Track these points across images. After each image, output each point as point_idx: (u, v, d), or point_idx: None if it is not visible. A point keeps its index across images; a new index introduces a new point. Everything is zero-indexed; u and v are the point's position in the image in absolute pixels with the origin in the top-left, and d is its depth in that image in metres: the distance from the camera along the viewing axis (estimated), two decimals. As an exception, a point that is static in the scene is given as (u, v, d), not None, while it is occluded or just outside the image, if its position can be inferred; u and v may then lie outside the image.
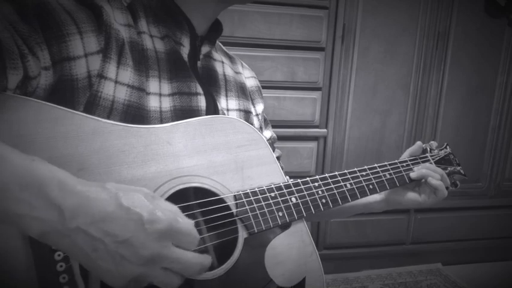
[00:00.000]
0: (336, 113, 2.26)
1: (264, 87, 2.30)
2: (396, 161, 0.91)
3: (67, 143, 0.52)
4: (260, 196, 0.67)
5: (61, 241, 0.44)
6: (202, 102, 0.71)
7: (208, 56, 0.79)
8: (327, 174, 0.78)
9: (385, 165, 0.88)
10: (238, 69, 0.89)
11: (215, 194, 0.64)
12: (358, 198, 0.80)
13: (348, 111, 2.28)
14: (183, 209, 0.59)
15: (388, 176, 0.86)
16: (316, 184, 0.75)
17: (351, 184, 0.80)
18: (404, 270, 2.50)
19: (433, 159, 0.97)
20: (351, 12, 2.16)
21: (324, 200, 0.74)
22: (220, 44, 0.87)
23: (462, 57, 2.37)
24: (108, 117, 0.59)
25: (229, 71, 0.84)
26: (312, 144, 2.24)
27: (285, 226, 0.69)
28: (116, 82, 0.60)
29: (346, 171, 0.81)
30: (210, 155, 0.65)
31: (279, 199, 0.69)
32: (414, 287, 2.34)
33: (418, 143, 0.97)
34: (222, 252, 0.63)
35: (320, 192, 0.75)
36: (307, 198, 0.72)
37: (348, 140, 2.31)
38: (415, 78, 2.33)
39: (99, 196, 0.45)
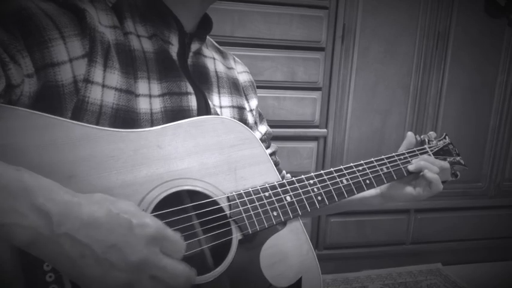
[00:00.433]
0: (336, 113, 2.26)
1: (264, 87, 2.30)
2: (393, 154, 0.89)
3: (55, 151, 0.52)
4: (254, 196, 0.66)
5: (48, 249, 0.44)
6: (193, 101, 0.70)
7: (199, 53, 0.77)
8: (322, 171, 0.76)
9: (382, 159, 0.86)
10: (231, 64, 0.87)
11: (208, 196, 0.63)
12: (354, 194, 0.78)
13: (348, 111, 2.28)
14: (176, 213, 0.59)
15: (385, 170, 0.85)
16: (311, 181, 0.74)
17: (347, 180, 0.78)
18: (404, 270, 2.50)
19: (431, 150, 0.95)
20: (351, 12, 2.16)
21: (319, 198, 0.73)
22: (211, 39, 0.86)
23: (462, 57, 2.37)
24: (97, 122, 0.59)
25: (220, 67, 0.82)
26: (312, 144, 2.24)
27: (280, 225, 0.68)
28: (103, 86, 0.59)
29: (342, 166, 0.79)
30: (202, 157, 0.64)
31: (274, 198, 0.68)
32: (414, 287, 2.34)
33: (409, 133, 0.95)
34: (218, 254, 0.63)
35: (315, 189, 0.73)
36: (302, 197, 0.71)
37: (348, 140, 2.31)
38: (415, 78, 2.33)
39: (87, 202, 0.45)
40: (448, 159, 0.96)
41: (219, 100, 0.78)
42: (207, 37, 0.82)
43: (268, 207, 0.67)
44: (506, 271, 2.61)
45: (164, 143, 0.61)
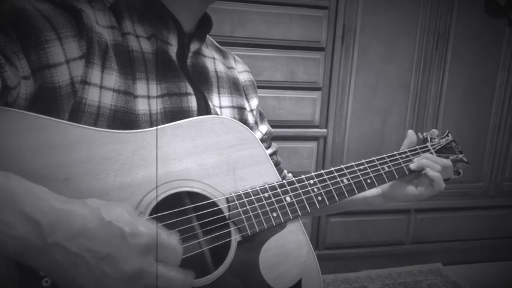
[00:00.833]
0: (336, 113, 2.26)
1: (264, 87, 2.30)
2: (395, 152, 0.88)
3: (52, 153, 0.51)
4: (253, 197, 0.66)
5: (40, 258, 0.43)
6: (193, 102, 0.69)
7: (198, 53, 0.77)
8: (323, 171, 0.75)
9: (384, 158, 0.85)
10: (231, 63, 0.86)
11: (207, 198, 0.62)
12: (355, 194, 0.77)
13: (348, 111, 2.28)
14: (174, 215, 0.58)
15: (386, 169, 0.83)
16: (312, 181, 0.73)
17: (348, 179, 0.77)
18: (404, 270, 2.50)
19: (433, 148, 0.93)
20: (351, 12, 2.16)
21: (319, 198, 0.72)
22: (211, 39, 0.85)
23: (462, 56, 2.37)
24: (95, 124, 0.58)
25: (220, 67, 0.81)
26: (312, 144, 2.24)
27: (280, 226, 0.68)
28: (101, 87, 0.59)
29: (342, 166, 0.78)
30: (201, 158, 0.63)
31: (273, 199, 0.67)
32: (414, 287, 2.34)
33: (410, 131, 0.94)
34: (217, 256, 0.62)
35: (315, 189, 0.72)
36: (302, 197, 0.70)
37: (348, 140, 2.31)
38: (415, 77, 2.33)
39: (78, 211, 0.44)
40: (451, 157, 0.94)
41: (219, 100, 0.78)
42: (207, 36, 0.81)
43: (267, 208, 0.66)
44: (506, 271, 2.61)
45: (163, 144, 0.60)
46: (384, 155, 0.85)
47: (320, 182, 0.74)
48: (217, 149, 0.65)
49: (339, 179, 0.76)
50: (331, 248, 2.39)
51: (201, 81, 0.75)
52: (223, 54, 0.86)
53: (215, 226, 0.62)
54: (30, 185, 0.45)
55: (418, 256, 2.57)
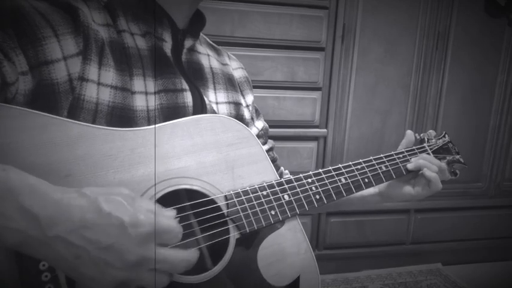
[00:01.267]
0: (336, 113, 2.26)
1: (264, 87, 2.30)
2: (392, 152, 0.89)
3: (53, 150, 0.52)
4: (252, 195, 0.66)
5: (41, 250, 0.43)
6: (188, 98, 0.70)
7: (193, 50, 0.77)
8: (321, 170, 0.76)
9: (381, 158, 0.86)
10: (225, 60, 0.87)
11: (205, 195, 0.63)
12: (353, 193, 0.78)
13: (348, 111, 2.28)
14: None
15: (384, 169, 0.84)
16: (310, 180, 0.74)
17: (345, 179, 0.78)
18: (404, 270, 2.50)
19: (430, 149, 0.94)
20: (351, 12, 2.16)
21: (317, 196, 0.73)
22: (205, 37, 0.86)
23: (462, 57, 2.37)
24: (94, 120, 0.58)
25: (215, 64, 0.82)
26: (312, 144, 2.24)
27: (278, 224, 0.68)
28: (99, 84, 0.59)
29: (340, 165, 0.79)
30: (200, 156, 0.64)
31: (271, 197, 0.68)
32: (414, 287, 2.34)
33: (408, 131, 0.95)
34: (216, 253, 0.63)
35: (314, 188, 0.73)
36: (301, 195, 0.71)
37: (348, 140, 2.31)
38: (415, 78, 2.33)
39: (77, 203, 0.45)
40: (448, 157, 0.95)
41: (215, 96, 0.78)
42: (201, 34, 0.82)
43: (266, 206, 0.67)
44: (506, 271, 2.61)
45: (162, 142, 0.61)
46: (382, 155, 0.86)
47: (318, 180, 0.74)
48: (216, 148, 0.66)
49: (336, 178, 0.77)
50: (331, 248, 2.39)
51: (197, 78, 0.76)
52: (218, 52, 0.87)
53: (213, 223, 0.62)
54: (28, 177, 0.45)
55: (418, 256, 2.57)
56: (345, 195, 0.77)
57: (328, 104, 2.24)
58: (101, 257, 0.44)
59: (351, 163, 0.81)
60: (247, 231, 0.64)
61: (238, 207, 0.64)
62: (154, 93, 0.66)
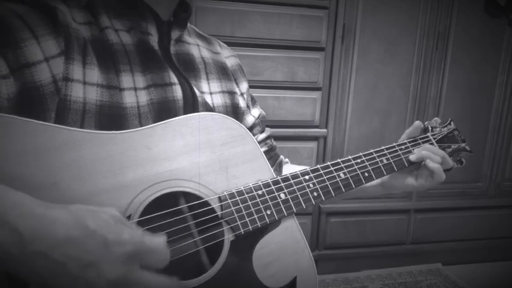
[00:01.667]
0: (336, 113, 2.26)
1: (264, 87, 2.30)
2: (394, 144, 0.86)
3: (38, 157, 0.50)
4: (246, 195, 0.64)
5: (19, 266, 0.42)
6: (178, 92, 0.68)
7: (181, 41, 0.75)
8: (319, 166, 0.74)
9: (382, 150, 0.83)
10: (217, 49, 0.85)
11: (199, 197, 0.61)
12: (352, 188, 0.76)
13: (348, 111, 2.28)
14: (166, 216, 0.57)
15: (385, 161, 0.81)
16: (307, 177, 0.71)
17: (344, 174, 0.75)
18: (404, 270, 2.50)
19: (434, 138, 0.91)
20: (351, 12, 2.16)
21: (315, 193, 0.71)
22: (193, 26, 0.84)
23: (462, 57, 2.37)
24: (83, 120, 0.57)
25: (206, 53, 0.80)
26: (312, 144, 2.24)
27: (274, 224, 0.66)
28: (85, 83, 0.58)
29: (339, 160, 0.77)
30: (192, 156, 0.62)
31: (267, 196, 0.66)
32: (414, 287, 2.34)
33: (416, 123, 0.91)
34: (211, 256, 0.61)
35: (311, 185, 0.71)
36: (297, 193, 0.69)
37: (348, 140, 2.31)
38: (415, 78, 2.33)
39: (61, 218, 0.43)
40: (453, 146, 0.92)
41: (208, 86, 0.77)
42: (190, 25, 0.80)
43: (261, 206, 0.65)
44: (506, 271, 2.61)
45: (152, 144, 0.59)
46: (383, 147, 0.84)
47: (316, 177, 0.72)
48: (209, 147, 0.64)
49: (335, 174, 0.75)
50: (331, 248, 2.39)
51: (188, 69, 0.74)
52: (208, 41, 0.85)
53: (208, 226, 0.61)
54: (11, 191, 0.44)
55: (418, 256, 2.57)
56: (343, 190, 0.74)
57: (328, 104, 2.24)
58: (80, 275, 0.43)
59: (350, 157, 0.78)
60: (242, 232, 0.63)
61: (233, 208, 0.63)
62: (143, 88, 0.64)
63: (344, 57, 2.20)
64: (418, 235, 2.52)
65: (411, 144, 0.87)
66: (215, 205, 0.62)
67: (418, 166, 0.86)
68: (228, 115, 0.69)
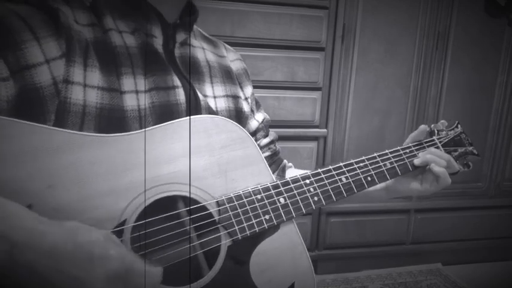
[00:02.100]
0: (336, 113, 2.26)
1: (264, 87, 2.30)
2: (399, 147, 0.84)
3: (36, 159, 0.50)
4: (245, 200, 0.63)
5: (8, 276, 0.42)
6: (180, 95, 0.67)
7: (186, 44, 0.74)
8: (320, 170, 0.72)
9: (386, 154, 0.81)
10: (222, 52, 0.84)
11: (197, 202, 0.60)
12: (354, 193, 0.74)
13: (348, 111, 2.28)
14: (162, 220, 0.57)
15: (388, 166, 0.79)
16: (308, 181, 0.70)
17: (346, 178, 0.74)
18: (404, 270, 2.50)
19: (440, 141, 0.88)
20: (351, 12, 2.16)
21: (315, 198, 0.69)
22: (199, 29, 0.83)
23: (462, 57, 2.37)
24: (82, 123, 0.57)
25: (211, 57, 0.79)
26: (312, 144, 2.24)
27: (273, 228, 0.65)
28: (85, 86, 0.58)
29: (341, 163, 0.75)
30: (191, 160, 0.61)
31: (266, 201, 0.65)
32: (414, 287, 2.34)
33: (422, 127, 0.88)
34: (208, 262, 0.60)
35: (312, 189, 0.70)
36: (297, 198, 0.68)
37: (348, 140, 2.31)
38: (415, 78, 2.33)
39: (51, 231, 0.43)
40: (460, 149, 0.90)
41: (212, 90, 0.76)
42: (196, 27, 0.79)
43: (259, 211, 0.64)
44: (506, 271, 2.60)
45: (150, 147, 0.58)
46: (387, 151, 0.82)
47: (317, 181, 0.71)
48: (208, 150, 0.63)
49: (337, 178, 0.73)
50: (331, 248, 2.39)
51: (192, 72, 0.73)
52: (214, 44, 0.84)
53: (205, 231, 0.60)
54: (5, 202, 0.44)
55: (418, 256, 2.57)
56: (345, 195, 0.73)
57: (328, 104, 2.24)
58: None
59: (353, 161, 0.77)
60: (240, 238, 0.62)
61: (230, 213, 0.62)
62: (145, 91, 0.64)
63: (344, 57, 2.20)
64: (418, 235, 2.52)
65: (416, 147, 0.85)
66: (213, 210, 0.61)
67: (423, 170, 0.84)
68: (231, 119, 0.68)
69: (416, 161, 0.83)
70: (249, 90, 0.85)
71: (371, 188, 0.81)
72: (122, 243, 0.50)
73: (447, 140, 0.90)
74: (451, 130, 0.92)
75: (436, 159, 0.82)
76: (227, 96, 0.78)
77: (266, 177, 0.68)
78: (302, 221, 2.21)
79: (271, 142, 0.88)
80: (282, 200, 0.67)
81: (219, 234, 0.61)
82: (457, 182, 2.54)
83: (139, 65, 0.64)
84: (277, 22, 2.06)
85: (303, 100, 2.17)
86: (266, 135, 0.88)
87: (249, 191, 0.65)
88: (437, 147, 0.87)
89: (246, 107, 0.82)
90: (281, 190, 0.67)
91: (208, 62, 0.78)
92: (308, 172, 0.72)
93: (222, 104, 0.76)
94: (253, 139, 0.68)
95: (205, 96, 0.73)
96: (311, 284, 0.67)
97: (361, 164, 0.77)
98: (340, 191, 0.73)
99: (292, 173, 0.92)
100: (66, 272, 0.43)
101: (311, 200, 0.69)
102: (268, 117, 0.90)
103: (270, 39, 2.06)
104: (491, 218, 2.63)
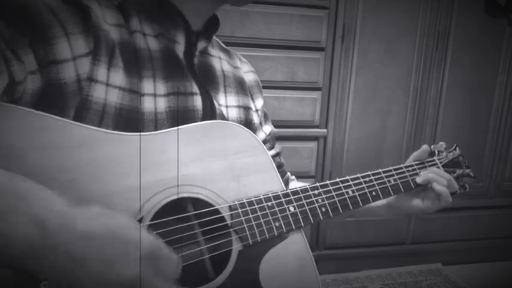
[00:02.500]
0: (336, 113, 2.26)
1: (264, 87, 2.30)
2: (402, 165, 0.87)
3: (56, 153, 0.50)
4: (256, 206, 0.65)
5: (41, 260, 0.43)
6: (198, 102, 0.69)
7: (205, 52, 0.76)
8: (328, 182, 0.74)
9: (390, 170, 0.84)
10: (236, 63, 0.86)
11: (210, 205, 0.61)
12: (360, 206, 0.77)
13: (348, 111, 2.28)
14: (176, 221, 0.57)
15: (392, 182, 0.82)
16: (316, 192, 0.72)
17: (352, 191, 0.76)
18: (404, 270, 2.50)
19: (441, 162, 0.93)
20: (351, 12, 2.16)
21: (323, 209, 0.71)
22: (217, 39, 0.85)
23: (462, 57, 2.37)
24: (101, 121, 0.57)
25: (227, 67, 0.81)
26: (312, 144, 2.24)
27: (282, 236, 0.66)
28: (107, 85, 0.58)
29: (348, 177, 0.77)
30: (206, 163, 0.62)
31: (276, 209, 0.66)
32: (414, 287, 2.34)
33: (424, 146, 0.93)
34: (218, 265, 0.61)
35: (320, 200, 0.71)
36: (306, 208, 0.69)
37: (348, 140, 2.31)
38: (415, 78, 2.33)
39: (83, 215, 0.45)
40: (458, 171, 0.94)
41: (225, 99, 0.77)
42: (214, 38, 0.81)
43: (270, 218, 0.65)
44: (506, 271, 2.61)
45: (168, 148, 0.59)
46: (391, 167, 0.85)
47: (325, 192, 0.73)
48: (223, 155, 0.64)
49: (344, 191, 0.75)
50: (331, 248, 2.39)
51: (208, 81, 0.75)
52: (229, 54, 0.86)
53: (217, 234, 0.61)
54: (36, 187, 0.45)
55: (418, 256, 2.57)
56: (351, 208, 0.75)
57: (328, 104, 2.24)
58: (97, 272, 0.44)
59: (359, 175, 0.79)
60: (250, 243, 0.62)
61: (243, 218, 0.63)
62: (163, 95, 0.65)
63: (344, 57, 2.20)
64: (418, 235, 2.52)
65: (418, 166, 0.89)
66: (225, 214, 0.62)
67: (424, 188, 0.87)
68: None
69: (419, 179, 0.86)
70: (260, 102, 0.88)
71: (373, 204, 0.84)
72: (149, 228, 0.51)
73: (447, 161, 0.94)
74: (450, 152, 0.97)
75: (438, 178, 0.85)
76: (239, 106, 0.80)
77: (277, 185, 0.69)
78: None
79: (277, 154, 0.90)
80: (291, 209, 0.68)
81: (230, 239, 0.62)
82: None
83: (160, 69, 0.65)
84: (277, 22, 2.06)
85: (303, 100, 2.17)
86: (272, 147, 0.90)
87: (261, 198, 0.66)
88: (438, 167, 0.91)
89: (256, 118, 0.84)
90: (291, 199, 0.69)
91: (223, 72, 0.79)
92: (317, 183, 0.74)
93: (233, 113, 0.78)
94: (265, 147, 0.70)
95: (219, 105, 0.75)
96: None
97: (367, 179, 0.80)
98: (346, 204, 0.75)
99: (295, 185, 0.94)
100: (100, 256, 0.44)
101: (319, 211, 0.71)
102: (275, 130, 0.92)
103: (270, 39, 2.06)
104: (491, 218, 2.63)
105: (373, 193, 0.79)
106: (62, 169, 0.51)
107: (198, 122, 0.68)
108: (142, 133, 0.58)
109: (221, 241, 0.61)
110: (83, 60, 0.56)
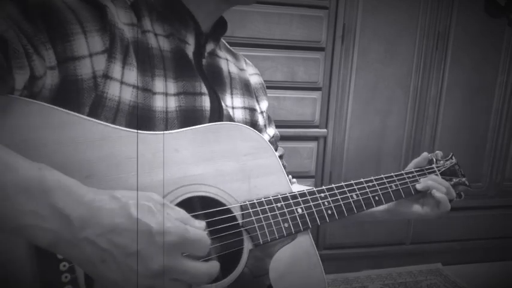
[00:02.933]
0: (336, 113, 2.26)
1: (264, 87, 2.25)
2: (402, 172, 0.90)
3: (75, 149, 0.51)
4: (266, 206, 0.66)
5: (69, 251, 0.44)
6: (206, 102, 0.70)
7: (213, 54, 0.78)
8: (333, 185, 0.77)
9: (392, 176, 0.87)
10: (242, 66, 0.88)
11: (222, 204, 0.62)
12: (364, 210, 0.79)
13: (348, 111, 2.28)
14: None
15: (394, 188, 0.85)
16: (323, 195, 0.74)
17: (357, 195, 0.78)
18: (404, 270, 2.50)
19: (439, 170, 0.96)
20: (351, 12, 2.16)
21: (329, 211, 0.73)
22: (223, 41, 0.86)
23: (462, 57, 2.37)
24: (114, 118, 0.59)
25: (233, 69, 0.83)
26: (312, 144, 2.24)
27: (290, 237, 0.68)
28: (122, 83, 0.60)
29: (352, 182, 0.80)
30: (218, 163, 0.63)
31: (285, 210, 0.68)
32: (414, 287, 2.34)
33: (424, 154, 0.96)
34: (228, 263, 0.62)
35: (326, 203, 0.74)
36: (313, 209, 0.71)
37: (348, 140, 2.31)
38: (415, 78, 2.33)
39: (108, 206, 0.45)
40: (454, 179, 0.97)
41: (232, 101, 0.79)
42: (222, 40, 0.83)
43: (279, 219, 0.67)
44: (505, 271, 2.61)
45: (182, 147, 0.60)
46: (392, 174, 0.88)
47: (331, 196, 0.75)
48: (234, 156, 0.65)
49: (348, 194, 0.77)
50: (331, 248, 2.39)
51: (215, 82, 0.76)
52: (235, 57, 0.87)
53: (228, 233, 0.62)
54: (62, 177, 0.45)
55: (418, 256, 2.57)
56: (355, 211, 0.77)
57: (328, 104, 2.24)
58: (126, 263, 0.44)
59: (362, 180, 0.81)
60: (261, 242, 0.64)
61: (253, 218, 0.64)
62: (173, 95, 0.66)
63: (344, 57, 2.20)
64: (418, 235, 2.52)
65: (418, 173, 0.92)
66: (237, 213, 0.63)
67: (424, 195, 0.90)
68: None
69: (419, 186, 0.89)
70: (264, 104, 0.90)
71: (375, 210, 0.87)
72: (173, 206, 0.51)
73: (444, 169, 0.97)
74: (447, 161, 1.00)
75: (437, 185, 0.88)
76: (244, 108, 0.81)
77: (285, 187, 0.71)
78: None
79: (280, 157, 0.91)
80: (299, 210, 0.70)
81: (241, 238, 0.63)
82: (457, 182, 2.55)
83: (171, 69, 0.66)
84: (277, 22, 2.06)
85: (303, 100, 2.17)
86: (275, 150, 0.91)
87: (270, 199, 0.68)
88: (437, 175, 0.94)
89: (261, 120, 0.87)
90: (299, 201, 0.71)
91: (230, 74, 0.81)
92: (323, 187, 0.76)
93: (239, 115, 0.79)
94: (274, 150, 0.71)
95: (226, 106, 0.76)
96: None
97: (370, 184, 0.82)
98: (351, 207, 0.77)
99: (296, 188, 0.96)
100: (127, 247, 0.44)
101: (325, 213, 0.73)
102: (278, 133, 0.95)
103: (270, 39, 2.06)
104: (491, 217, 2.63)
105: (376, 198, 0.81)
106: (80, 165, 0.52)
107: (205, 122, 0.69)
108: (158, 132, 0.59)
109: (232, 240, 0.63)
110: (99, 58, 0.58)
